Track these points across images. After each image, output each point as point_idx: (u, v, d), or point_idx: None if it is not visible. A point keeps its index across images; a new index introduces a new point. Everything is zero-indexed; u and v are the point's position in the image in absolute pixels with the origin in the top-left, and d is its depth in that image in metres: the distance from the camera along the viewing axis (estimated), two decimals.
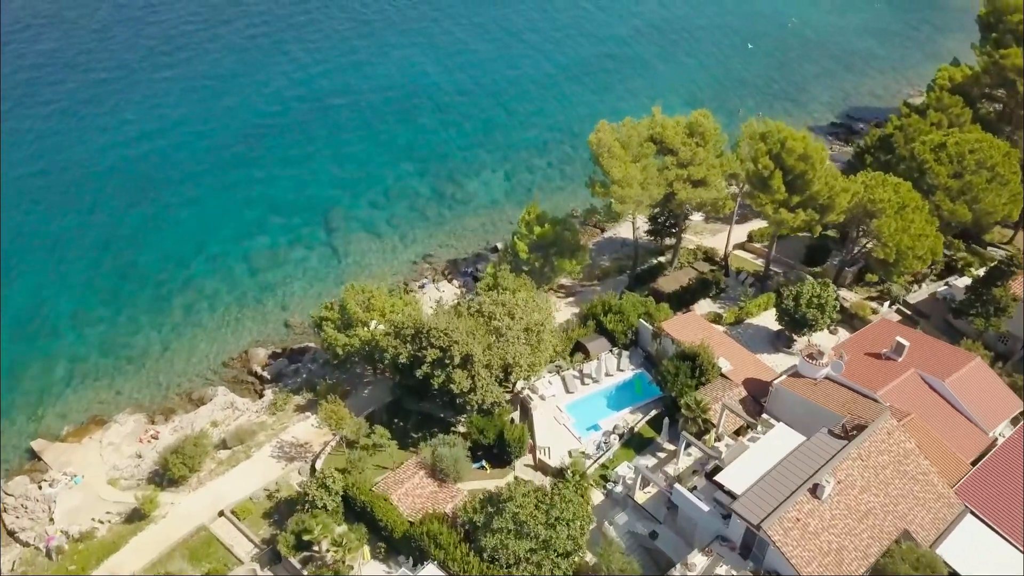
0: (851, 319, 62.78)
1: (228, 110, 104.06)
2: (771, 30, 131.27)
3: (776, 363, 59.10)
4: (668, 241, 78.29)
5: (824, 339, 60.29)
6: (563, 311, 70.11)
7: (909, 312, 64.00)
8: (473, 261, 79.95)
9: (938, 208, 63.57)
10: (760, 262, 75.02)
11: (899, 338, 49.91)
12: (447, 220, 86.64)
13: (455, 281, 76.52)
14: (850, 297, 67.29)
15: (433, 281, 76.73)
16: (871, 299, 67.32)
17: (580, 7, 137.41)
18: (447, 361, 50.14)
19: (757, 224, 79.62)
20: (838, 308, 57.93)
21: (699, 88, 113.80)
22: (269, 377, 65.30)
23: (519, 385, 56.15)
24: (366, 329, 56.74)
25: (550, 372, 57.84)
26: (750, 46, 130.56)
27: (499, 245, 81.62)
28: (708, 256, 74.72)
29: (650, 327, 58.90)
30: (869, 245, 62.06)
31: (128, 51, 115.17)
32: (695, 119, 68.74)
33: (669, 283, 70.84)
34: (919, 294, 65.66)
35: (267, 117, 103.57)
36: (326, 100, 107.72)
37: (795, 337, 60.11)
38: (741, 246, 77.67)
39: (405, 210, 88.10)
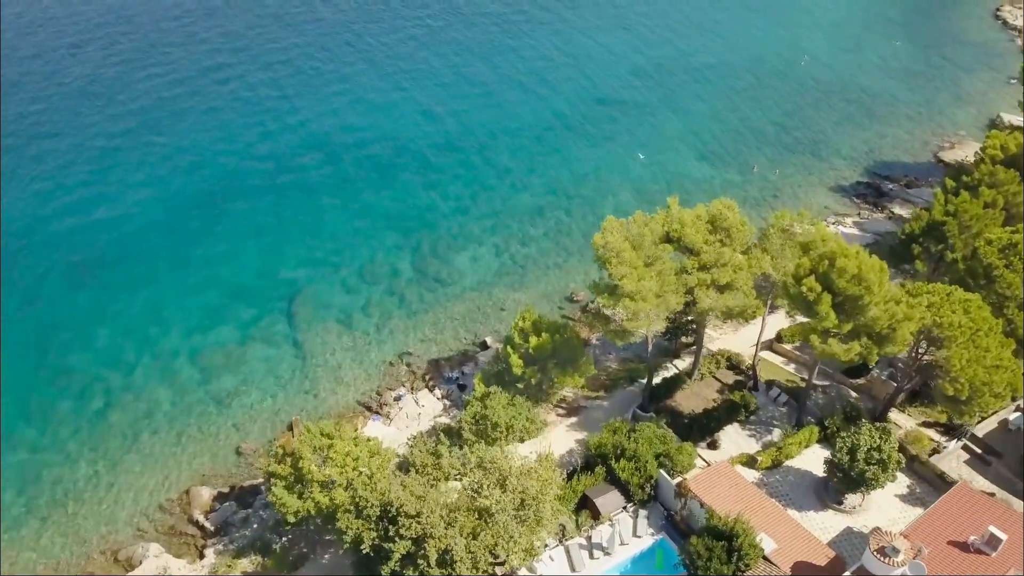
0: (909, 458, 52.33)
1: (189, 171, 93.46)
2: (783, 69, 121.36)
3: (826, 525, 48.65)
4: (685, 338, 67.89)
5: (883, 496, 49.89)
6: (563, 436, 59.57)
7: (978, 449, 53.64)
8: (459, 362, 69.33)
9: (1011, 323, 53.30)
10: (793, 368, 64.63)
11: (993, 528, 39.52)
12: (429, 307, 75.98)
13: (437, 390, 65.86)
14: (903, 422, 56.92)
15: (412, 390, 66.08)
16: (928, 425, 56.98)
17: (577, 45, 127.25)
18: (420, 560, 39.53)
19: (785, 316, 69.33)
20: (900, 461, 47.45)
21: (708, 138, 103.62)
22: (213, 528, 54.47)
23: (513, 564, 45.47)
24: (323, 493, 45.98)
25: (550, 540, 47.21)
26: (805, 60, 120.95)
27: (488, 340, 71.10)
28: (732, 363, 64.23)
29: (672, 481, 48.36)
30: (930, 363, 51.83)
31: (75, 103, 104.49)
32: (718, 212, 58.32)
33: (690, 400, 60.49)
34: (988, 423, 55.29)
35: (232, 179, 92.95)
36: (299, 157, 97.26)
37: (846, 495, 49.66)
38: (768, 345, 67.22)
39: (382, 294, 77.51)
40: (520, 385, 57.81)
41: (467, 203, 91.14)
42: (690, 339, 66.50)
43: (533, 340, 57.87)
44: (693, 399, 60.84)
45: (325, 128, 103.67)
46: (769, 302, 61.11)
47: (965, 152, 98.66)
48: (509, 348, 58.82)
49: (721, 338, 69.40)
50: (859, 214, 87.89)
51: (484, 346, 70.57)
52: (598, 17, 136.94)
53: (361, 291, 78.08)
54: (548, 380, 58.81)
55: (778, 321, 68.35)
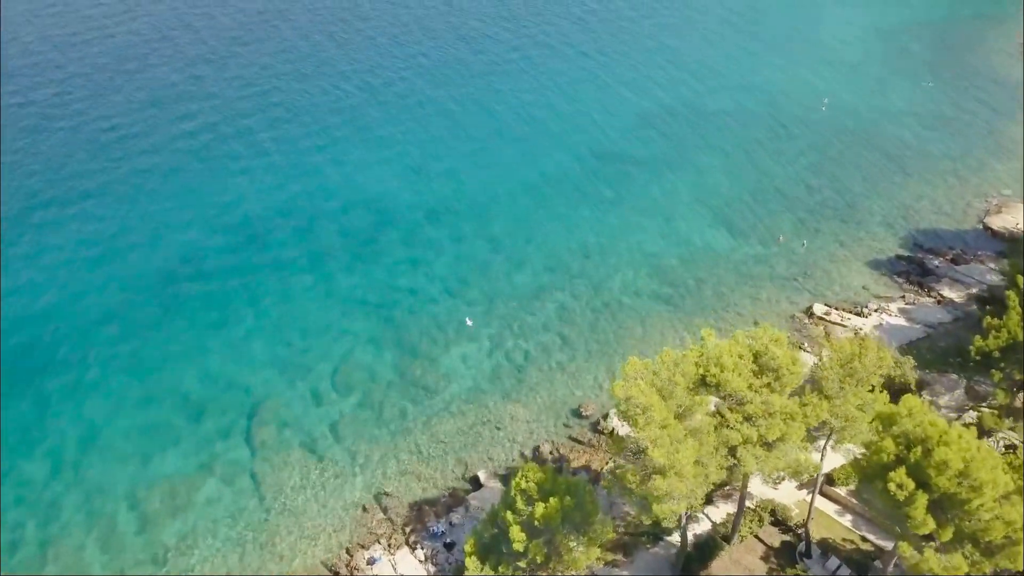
0: None
1: (145, 247, 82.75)
2: (802, 114, 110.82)
3: None
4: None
5: None
6: None
7: None
8: (446, 506, 57.99)
9: None
10: (849, 521, 53.63)
11: None
12: (412, 425, 64.77)
13: (420, 549, 54.55)
14: None
15: (389, 548, 54.74)
16: None
17: (578, 87, 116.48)
18: None
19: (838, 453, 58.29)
20: None
21: (725, 200, 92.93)
22: None
23: None
24: None
25: None
26: (825, 105, 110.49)
27: (481, 476, 59.89)
28: (778, 517, 53.20)
29: None
30: None
31: (12, 163, 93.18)
32: (764, 347, 47.29)
33: (729, 569, 49.40)
34: None
35: (193, 256, 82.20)
36: (271, 227, 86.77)
37: None
38: (818, 485, 56.09)
39: (356, 408, 66.37)
40: (522, 564, 46.72)
41: (456, 284, 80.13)
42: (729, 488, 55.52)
43: (539, 508, 46.65)
44: (733, 568, 49.81)
45: (301, 189, 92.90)
46: (824, 448, 50.20)
47: (1015, 217, 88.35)
48: (509, 514, 47.63)
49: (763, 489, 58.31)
50: (903, 297, 77.10)
51: (476, 483, 59.38)
52: (600, 55, 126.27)
53: (333, 403, 66.91)
54: (556, 554, 47.69)
55: (829, 458, 57.34)
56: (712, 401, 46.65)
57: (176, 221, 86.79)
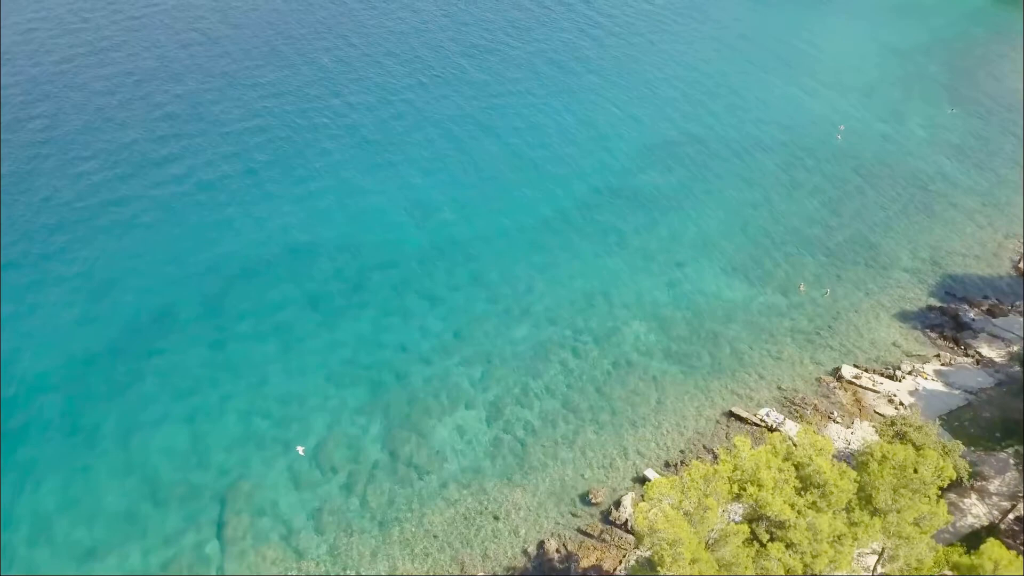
0: None
1: (115, 295, 75.83)
2: (816, 144, 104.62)
3: None
4: None
5: None
6: None
7: None
8: None
9: None
10: None
11: None
12: (400, 515, 58.28)
13: None
14: None
15: None
16: None
17: (577, 114, 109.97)
18: None
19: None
20: None
21: (738, 241, 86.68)
22: None
23: None
24: None
25: None
26: (840, 133, 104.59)
27: None
28: None
29: None
30: None
31: None
32: (808, 458, 40.87)
33: None
34: None
35: (165, 308, 75.61)
36: (246, 278, 79.53)
37: None
38: None
39: (340, 493, 59.91)
40: None
41: (450, 340, 73.64)
42: None
43: None
44: None
45: (285, 229, 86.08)
46: (875, 570, 43.79)
47: None
48: None
49: None
50: (938, 357, 70.79)
51: None
52: (596, 80, 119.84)
53: (314, 486, 60.38)
54: None
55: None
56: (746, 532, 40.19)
57: (146, 266, 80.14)
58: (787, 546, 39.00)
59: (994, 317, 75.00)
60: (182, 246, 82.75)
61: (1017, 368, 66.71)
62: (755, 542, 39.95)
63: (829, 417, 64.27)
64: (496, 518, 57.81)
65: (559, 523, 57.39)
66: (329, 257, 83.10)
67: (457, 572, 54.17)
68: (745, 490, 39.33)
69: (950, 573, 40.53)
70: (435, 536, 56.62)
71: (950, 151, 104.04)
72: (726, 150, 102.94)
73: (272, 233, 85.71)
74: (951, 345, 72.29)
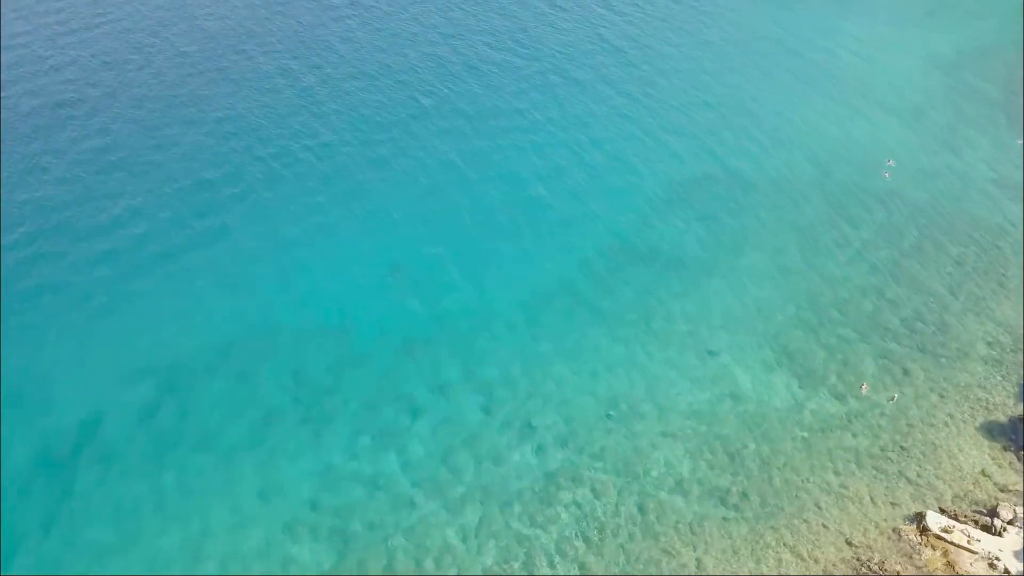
0: None
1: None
2: (861, 183, 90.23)
3: None
4: None
5: None
6: None
7: None
8: None
9: None
10: None
11: None
12: None
13: None
14: None
15: None
16: None
17: (593, 146, 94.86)
18: None
19: None
20: None
21: (779, 321, 72.76)
22: None
23: None
24: None
25: None
26: (888, 171, 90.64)
27: None
28: None
29: None
30: None
31: None
32: None
33: None
34: None
35: (91, 429, 61.05)
36: (187, 385, 65.19)
37: None
38: None
39: None
40: None
41: (436, 470, 59.92)
42: None
43: None
44: None
45: (242, 310, 71.78)
46: None
47: None
48: None
49: None
50: None
51: None
52: (623, 96, 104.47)
53: None
54: None
55: None
56: None
57: (64, 373, 65.66)
58: None
59: None
60: (109, 347, 68.03)
61: None
62: None
63: None
64: None
65: None
66: (293, 346, 68.82)
67: None
68: None
69: None
70: None
71: (1018, 194, 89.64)
72: (759, 192, 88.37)
73: (228, 312, 71.13)
74: None
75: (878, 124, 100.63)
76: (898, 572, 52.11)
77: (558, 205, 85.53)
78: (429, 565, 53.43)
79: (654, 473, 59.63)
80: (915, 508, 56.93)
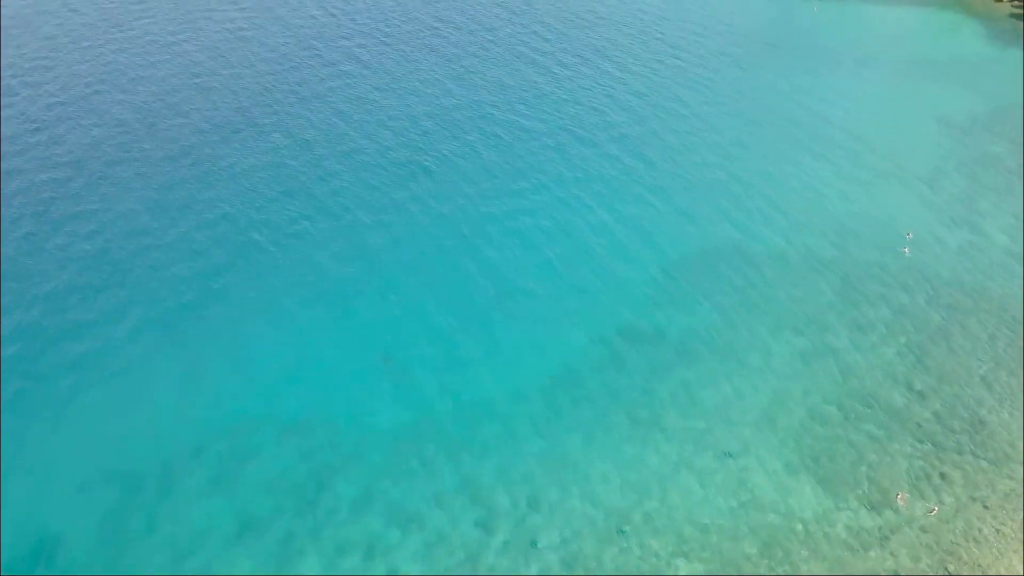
0: None
1: None
2: (879, 259, 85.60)
3: None
4: None
5: None
6: None
7: None
8: None
9: None
10: None
11: None
12: None
13: None
14: None
15: None
16: None
17: (602, 215, 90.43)
18: None
19: None
20: None
21: (801, 418, 67.33)
22: None
23: None
24: None
25: None
26: (907, 248, 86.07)
27: None
28: None
29: None
30: None
31: None
32: None
33: None
34: None
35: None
36: (165, 481, 59.34)
37: None
38: None
39: None
40: None
41: None
42: None
43: None
44: None
45: (194, 409, 66.45)
46: None
47: None
48: None
49: None
50: None
51: None
52: (615, 168, 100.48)
53: None
54: None
55: None
56: None
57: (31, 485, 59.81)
58: None
59: None
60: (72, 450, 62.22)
61: None
62: None
63: None
64: None
65: None
66: (259, 448, 63.22)
67: None
68: None
69: None
70: None
71: None
72: (772, 269, 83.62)
73: (190, 416, 65.44)
74: None
75: (892, 194, 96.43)
76: None
77: (558, 280, 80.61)
78: None
79: None
80: None
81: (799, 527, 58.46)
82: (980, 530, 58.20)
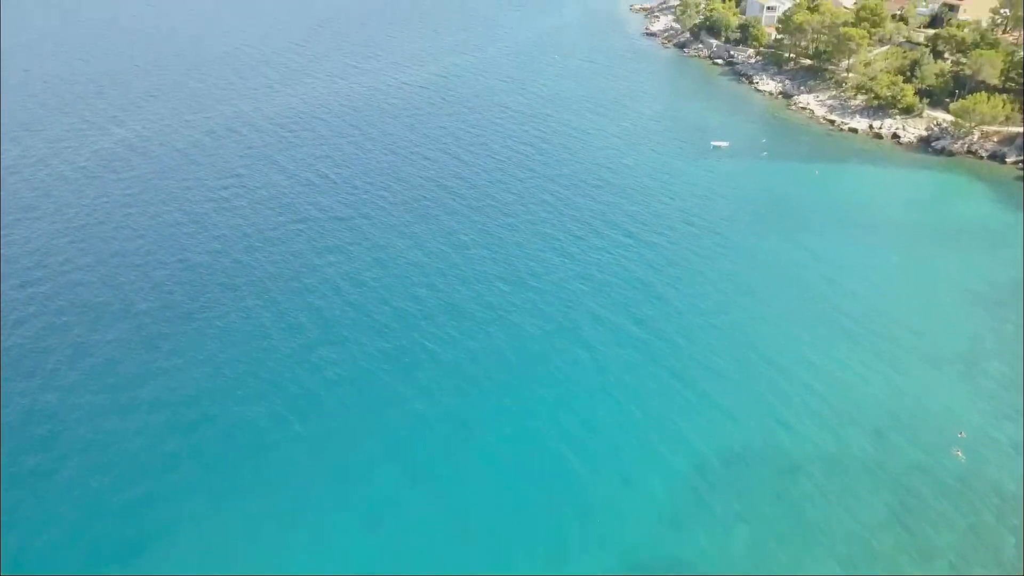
0: None
1: None
2: (930, 466, 77.00)
3: None
4: None
5: None
6: None
7: None
8: None
9: None
10: None
11: None
12: None
13: None
14: None
15: None
16: None
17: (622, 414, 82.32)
18: None
19: None
20: None
21: None
22: None
23: None
24: None
25: None
26: (959, 450, 77.50)
27: None
28: None
29: None
30: None
31: None
32: None
33: None
34: None
35: None
36: None
37: None
38: None
39: None
40: None
41: None
42: None
43: None
44: None
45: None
46: None
47: None
48: None
49: None
50: None
51: None
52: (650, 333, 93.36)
53: None
54: None
55: None
56: None
57: None
58: None
59: None
60: None
61: None
62: None
63: None
64: None
65: None
66: None
67: None
68: None
69: None
70: None
71: None
72: (806, 477, 74.97)
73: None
74: None
75: (931, 381, 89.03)
76: None
77: (554, 507, 71.51)
78: None
79: None
80: None
81: None
82: None
